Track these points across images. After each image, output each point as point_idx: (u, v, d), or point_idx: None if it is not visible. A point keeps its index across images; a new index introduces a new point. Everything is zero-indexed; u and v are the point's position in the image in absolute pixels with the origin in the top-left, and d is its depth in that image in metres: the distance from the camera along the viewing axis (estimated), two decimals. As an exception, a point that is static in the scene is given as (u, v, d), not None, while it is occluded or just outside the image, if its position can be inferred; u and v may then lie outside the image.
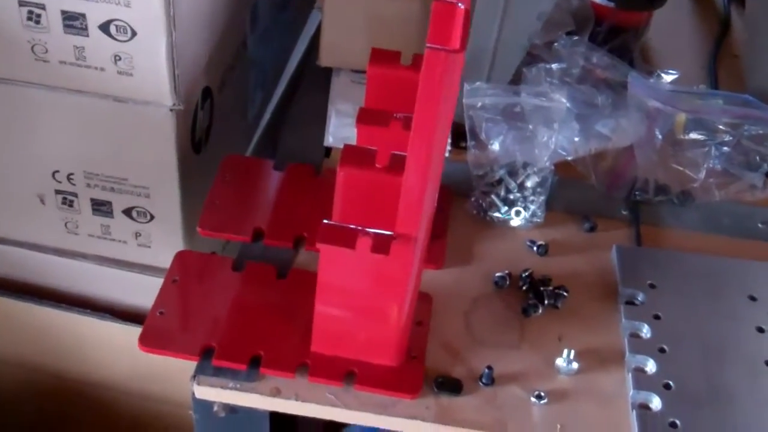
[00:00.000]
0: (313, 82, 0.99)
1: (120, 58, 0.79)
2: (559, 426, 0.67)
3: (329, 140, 0.89)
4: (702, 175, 0.86)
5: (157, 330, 0.71)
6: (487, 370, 0.69)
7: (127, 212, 0.91)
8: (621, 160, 0.86)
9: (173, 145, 0.86)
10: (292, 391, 0.68)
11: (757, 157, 0.86)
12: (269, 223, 0.80)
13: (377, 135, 0.71)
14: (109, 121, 0.85)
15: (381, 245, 0.61)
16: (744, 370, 0.71)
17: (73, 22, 0.78)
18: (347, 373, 0.69)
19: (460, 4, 0.56)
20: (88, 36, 0.78)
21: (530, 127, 0.80)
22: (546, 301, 0.75)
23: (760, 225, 0.85)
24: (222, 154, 0.88)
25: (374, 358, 0.69)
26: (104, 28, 0.77)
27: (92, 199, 0.91)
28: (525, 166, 0.82)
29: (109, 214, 0.92)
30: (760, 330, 0.74)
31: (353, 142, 0.87)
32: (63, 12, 0.77)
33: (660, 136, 0.86)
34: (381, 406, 0.68)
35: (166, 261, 0.77)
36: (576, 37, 0.90)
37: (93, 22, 0.77)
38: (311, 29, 1.18)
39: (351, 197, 0.67)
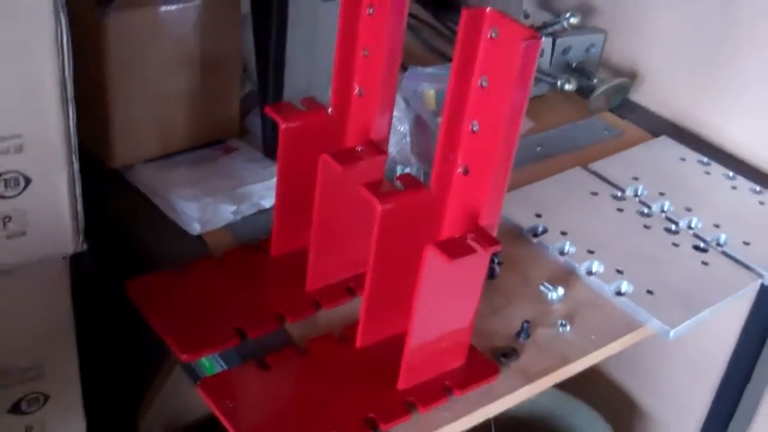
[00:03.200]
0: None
1: (10, 219, 0.66)
2: (593, 336, 0.79)
3: (197, 229, 0.84)
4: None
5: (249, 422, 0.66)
6: (526, 325, 0.77)
7: (15, 408, 0.75)
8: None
9: (68, 300, 0.73)
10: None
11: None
12: (237, 318, 0.75)
13: (353, 172, 0.72)
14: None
15: (490, 239, 0.65)
16: (643, 233, 0.91)
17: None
18: (444, 389, 0.71)
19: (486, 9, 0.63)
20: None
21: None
22: (495, 259, 0.85)
23: (538, 149, 1.04)
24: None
25: (451, 364, 0.72)
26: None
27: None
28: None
29: (-8, 423, 0.74)
30: (620, 210, 0.94)
31: (223, 220, 0.86)
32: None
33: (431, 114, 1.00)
34: (487, 396, 0.72)
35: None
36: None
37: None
38: None
39: (387, 231, 0.68)
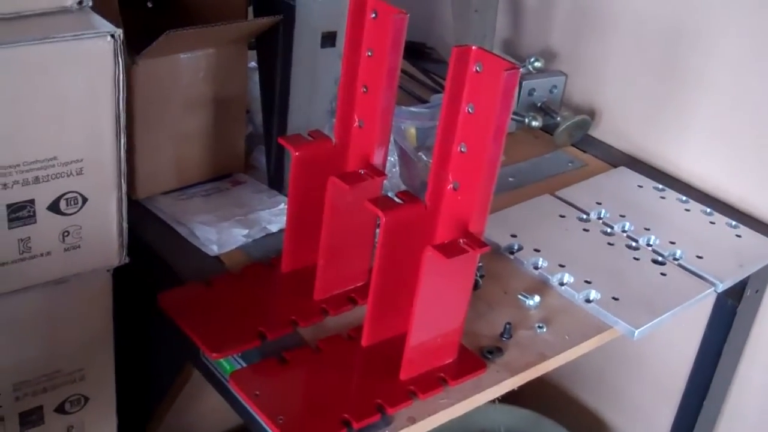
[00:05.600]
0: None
1: (68, 234, 0.76)
2: (566, 336, 0.90)
3: (215, 250, 0.94)
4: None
5: (276, 408, 0.75)
6: (508, 326, 0.88)
7: (60, 408, 0.84)
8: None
9: (110, 309, 0.83)
10: (419, 415, 0.79)
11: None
12: (257, 323, 0.85)
13: (358, 190, 0.83)
14: (46, 312, 0.79)
15: (479, 242, 0.76)
16: (607, 249, 1.03)
17: (19, 212, 0.73)
18: (439, 380, 0.81)
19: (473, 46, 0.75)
20: (35, 222, 0.74)
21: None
22: (478, 273, 0.96)
23: (510, 179, 1.17)
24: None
25: (444, 359, 0.83)
26: (53, 206, 0.74)
27: (20, 414, 0.81)
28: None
29: (39, 420, 0.83)
30: (586, 230, 1.06)
31: (237, 242, 0.96)
32: (8, 206, 0.72)
33: (413, 150, 1.12)
34: (477, 387, 0.82)
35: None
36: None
37: (41, 204, 0.73)
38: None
39: (390, 238, 0.79)
